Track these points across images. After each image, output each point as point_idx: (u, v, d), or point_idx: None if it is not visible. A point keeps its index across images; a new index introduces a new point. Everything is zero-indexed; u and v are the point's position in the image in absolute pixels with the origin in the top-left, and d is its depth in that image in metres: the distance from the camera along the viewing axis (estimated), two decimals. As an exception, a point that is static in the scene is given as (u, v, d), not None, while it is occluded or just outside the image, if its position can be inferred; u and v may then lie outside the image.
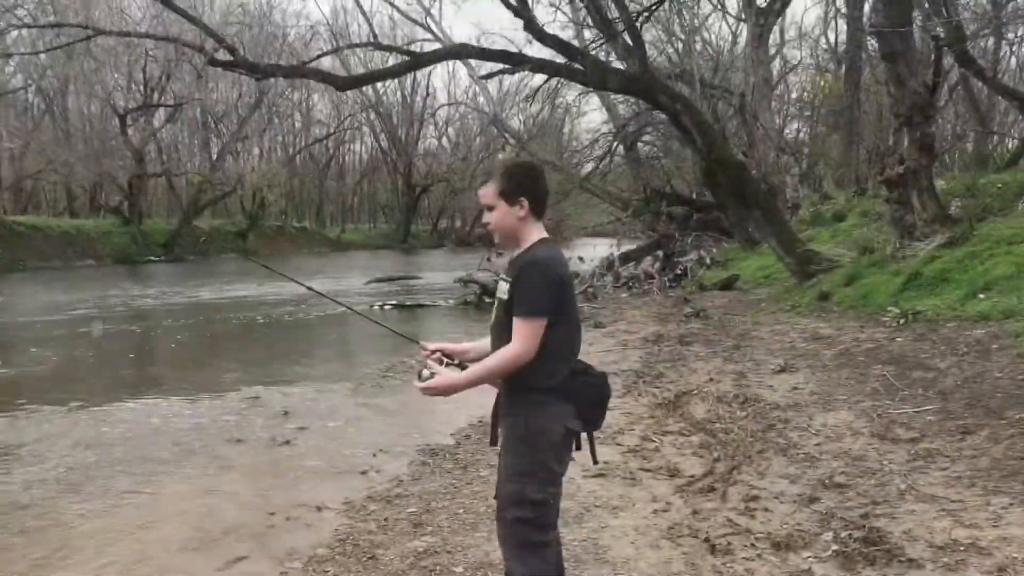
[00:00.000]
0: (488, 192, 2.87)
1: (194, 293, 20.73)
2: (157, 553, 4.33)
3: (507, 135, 29.50)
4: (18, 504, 5.16)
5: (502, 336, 2.79)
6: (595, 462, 3.14)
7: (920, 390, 6.42)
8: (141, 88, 39.81)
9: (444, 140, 63.00)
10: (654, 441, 5.86)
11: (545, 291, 2.71)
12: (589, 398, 2.84)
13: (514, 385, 2.82)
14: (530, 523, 2.79)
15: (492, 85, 38.22)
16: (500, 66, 14.65)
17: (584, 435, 2.94)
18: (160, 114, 42.60)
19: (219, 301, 18.82)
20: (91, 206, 42.79)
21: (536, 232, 2.86)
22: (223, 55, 14.28)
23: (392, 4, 19.98)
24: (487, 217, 2.93)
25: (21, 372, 10.14)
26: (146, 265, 34.50)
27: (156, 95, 40.25)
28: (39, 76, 35.69)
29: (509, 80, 43.91)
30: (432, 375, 2.85)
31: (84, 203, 43.87)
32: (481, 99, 35.89)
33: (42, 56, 29.96)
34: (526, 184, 2.86)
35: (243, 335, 13.65)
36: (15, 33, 26.45)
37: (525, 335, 2.70)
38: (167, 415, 7.55)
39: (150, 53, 35.64)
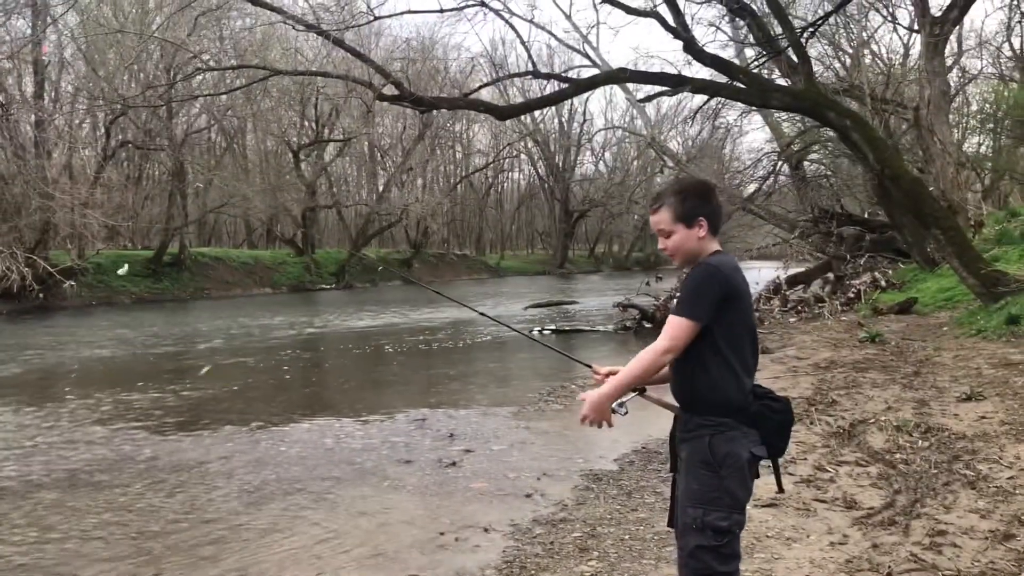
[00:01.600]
0: (663, 218, 2.83)
1: (363, 319, 21.52)
2: (334, 568, 4.48)
3: (665, 158, 29.23)
4: (205, 518, 5.46)
5: (677, 360, 2.72)
6: (780, 490, 3.02)
7: None
8: (313, 124, 41.94)
9: (601, 165, 63.20)
10: (829, 471, 5.58)
11: (706, 292, 2.66)
12: (773, 423, 2.72)
13: (696, 407, 2.74)
14: (713, 551, 2.67)
15: (650, 108, 38.03)
16: (658, 88, 14.54)
17: (769, 462, 2.83)
18: (331, 149, 44.73)
19: (386, 327, 19.46)
20: (268, 237, 45.36)
21: (714, 247, 2.82)
22: (390, 90, 14.85)
23: (550, 33, 20.28)
24: (664, 243, 2.87)
25: (205, 393, 10.78)
26: (319, 292, 36.16)
27: (326, 131, 42.31)
28: (221, 116, 38.21)
29: (667, 103, 43.58)
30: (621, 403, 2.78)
31: (261, 235, 46.55)
32: (639, 122, 35.76)
33: (224, 97, 32.06)
34: (702, 203, 2.82)
35: (409, 359, 14.03)
36: (200, 77, 28.39)
37: (673, 331, 2.65)
38: (340, 436, 7.83)
39: (321, 91, 37.54)
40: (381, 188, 47.05)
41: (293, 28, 15.65)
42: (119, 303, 28.81)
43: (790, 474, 5.57)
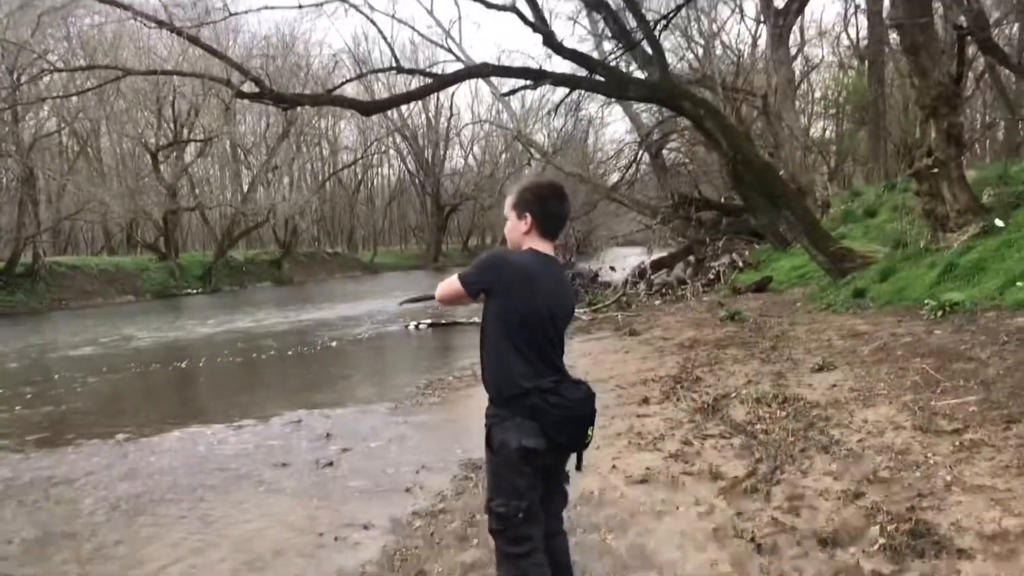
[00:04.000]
0: (505, 204, 3.11)
1: (230, 323, 20.98)
2: (209, 577, 4.43)
3: (532, 150, 29.62)
4: (73, 534, 5.28)
5: (484, 340, 3.00)
6: (578, 468, 3.15)
7: (962, 381, 6.37)
8: (171, 125, 40.44)
9: (470, 159, 63.44)
10: (695, 445, 5.86)
11: (481, 268, 2.93)
12: (553, 417, 2.86)
13: (489, 396, 2.97)
14: (500, 535, 2.91)
15: (515, 101, 38.41)
16: (522, 82, 14.75)
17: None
18: (191, 149, 43.25)
19: (255, 329, 19.04)
20: (128, 243, 43.50)
21: (534, 244, 3.03)
22: (249, 87, 14.51)
23: (413, 28, 20.24)
24: (505, 227, 3.13)
25: (69, 408, 10.34)
26: (185, 298, 34.96)
27: (186, 131, 40.88)
28: (72, 119, 36.40)
29: (531, 95, 44.09)
30: None
31: (121, 240, 44.62)
32: (505, 116, 36.06)
33: (75, 98, 30.54)
34: (532, 202, 3.03)
35: (281, 362, 13.81)
36: (47, 78, 26.98)
37: (447, 282, 3.00)
38: (213, 443, 7.67)
39: (178, 90, 36.24)
40: (246, 188, 45.81)
41: (145, 26, 15.09)
42: (-35, 319, 27.09)
43: (659, 450, 5.83)
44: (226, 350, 15.44)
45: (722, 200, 24.67)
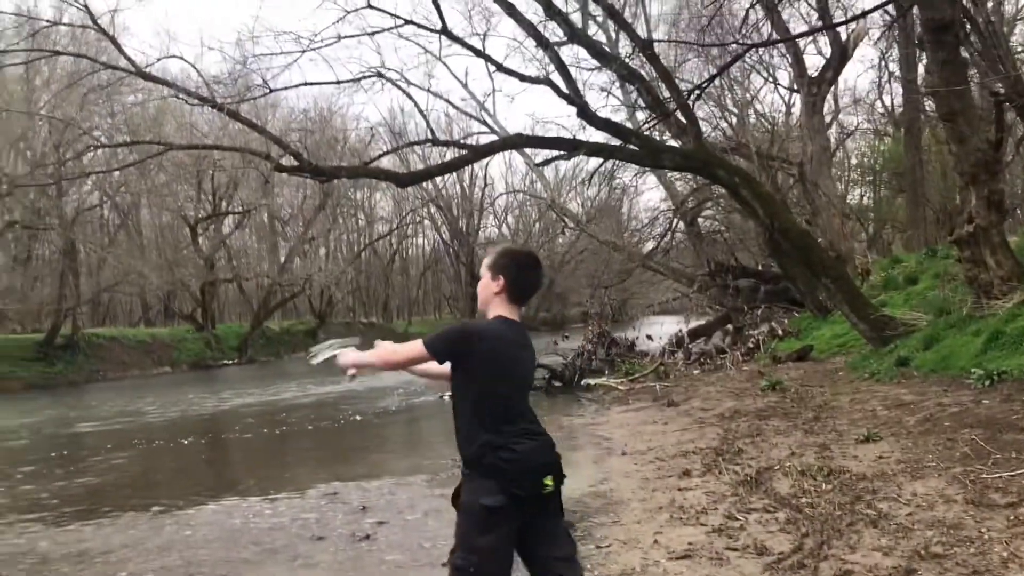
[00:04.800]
0: (483, 263, 3.27)
1: (266, 395, 21.03)
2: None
3: (565, 219, 29.77)
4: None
5: (455, 405, 3.15)
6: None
7: (1014, 453, 6.16)
8: (210, 197, 41.28)
9: (504, 228, 63.87)
10: (739, 519, 5.69)
11: (446, 338, 3.07)
12: (510, 471, 2.98)
13: (460, 453, 3.12)
14: None
15: (549, 171, 38.79)
16: (555, 152, 14.90)
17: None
18: (229, 221, 44.03)
19: (292, 401, 19.05)
20: (165, 314, 44.07)
21: (502, 311, 3.16)
22: (288, 161, 14.80)
23: (448, 101, 20.58)
24: (479, 284, 3.27)
25: (105, 480, 10.34)
26: (221, 369, 35.21)
27: (224, 203, 41.67)
28: (114, 192, 37.28)
29: (565, 164, 44.49)
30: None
31: (159, 312, 45.22)
32: (538, 185, 36.43)
33: (116, 173, 31.31)
34: (509, 267, 3.17)
35: (317, 433, 13.75)
36: (91, 153, 27.74)
37: (409, 347, 3.15)
38: (247, 515, 7.60)
39: (218, 163, 37.08)
40: (283, 259, 46.44)
41: (187, 103, 15.51)
42: (8, 389, 27.41)
43: (702, 524, 5.67)
44: (260, 422, 15.43)
45: (760, 267, 24.54)
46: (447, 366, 3.14)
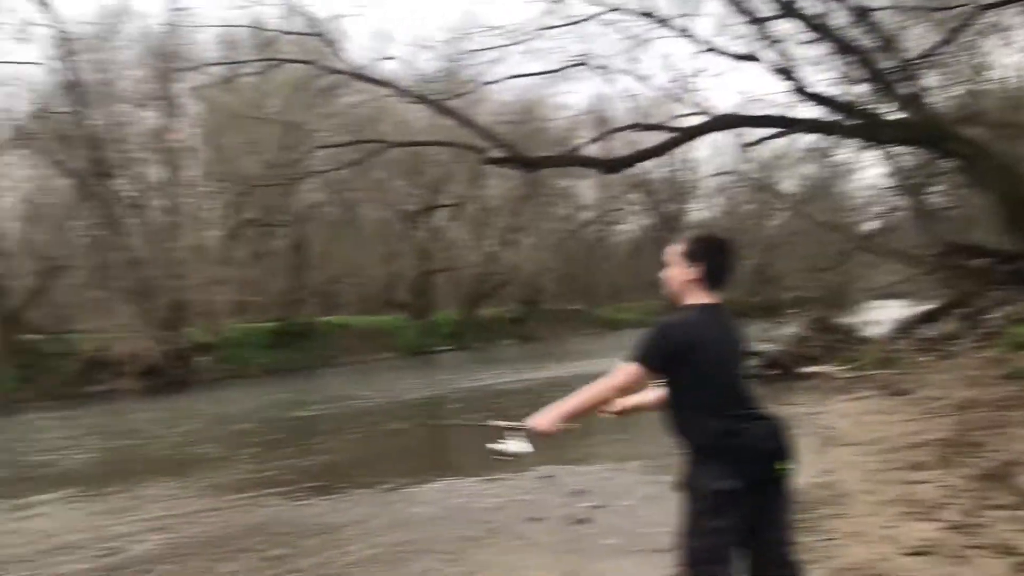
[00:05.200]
0: (672, 250, 3.20)
1: (478, 380, 21.68)
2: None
3: (778, 200, 28.69)
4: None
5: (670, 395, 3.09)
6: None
7: None
8: (424, 191, 43.00)
9: (712, 211, 62.40)
10: (980, 516, 5.30)
11: (653, 346, 3.01)
12: (744, 456, 2.93)
13: (678, 442, 3.09)
14: (688, 570, 3.00)
15: (759, 151, 37.46)
16: (768, 131, 14.40)
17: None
18: (442, 213, 45.70)
19: (502, 386, 19.53)
20: (386, 303, 46.39)
21: (702, 298, 3.08)
22: (497, 153, 15.17)
23: (653, 84, 20.23)
24: (664, 272, 3.22)
25: (338, 458, 11.07)
26: (437, 355, 36.71)
27: (437, 196, 43.30)
28: (338, 189, 39.57)
29: (778, 143, 42.78)
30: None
31: (380, 301, 47.67)
32: (748, 165, 35.30)
33: (339, 172, 33.22)
34: (706, 253, 3.11)
35: (532, 415, 14.01)
36: (316, 153, 29.53)
37: (619, 372, 3.03)
38: (469, 495, 7.90)
39: (431, 158, 38.54)
40: (492, 248, 47.68)
41: (402, 101, 16.21)
42: (250, 375, 29.89)
43: (937, 520, 5.32)
44: (473, 405, 15.94)
45: (997, 246, 22.55)
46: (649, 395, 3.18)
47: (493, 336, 42.40)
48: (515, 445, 3.22)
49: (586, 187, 56.57)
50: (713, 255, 3.12)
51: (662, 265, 3.28)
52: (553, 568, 5.41)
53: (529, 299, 47.73)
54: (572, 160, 16.73)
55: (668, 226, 57.68)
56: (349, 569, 5.82)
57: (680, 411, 3.07)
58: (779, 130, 14.10)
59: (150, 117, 31.44)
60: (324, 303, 45.23)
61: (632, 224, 64.92)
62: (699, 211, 61.95)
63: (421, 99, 15.11)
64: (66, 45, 28.21)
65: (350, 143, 21.52)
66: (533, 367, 23.79)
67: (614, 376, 3.04)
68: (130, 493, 9.57)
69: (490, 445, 3.26)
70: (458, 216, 47.61)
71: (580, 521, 6.53)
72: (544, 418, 3.15)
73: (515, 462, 3.26)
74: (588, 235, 59.42)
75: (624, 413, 3.45)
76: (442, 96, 15.39)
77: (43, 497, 9.63)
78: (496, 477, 8.57)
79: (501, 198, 47.27)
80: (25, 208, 30.70)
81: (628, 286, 67.98)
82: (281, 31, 18.86)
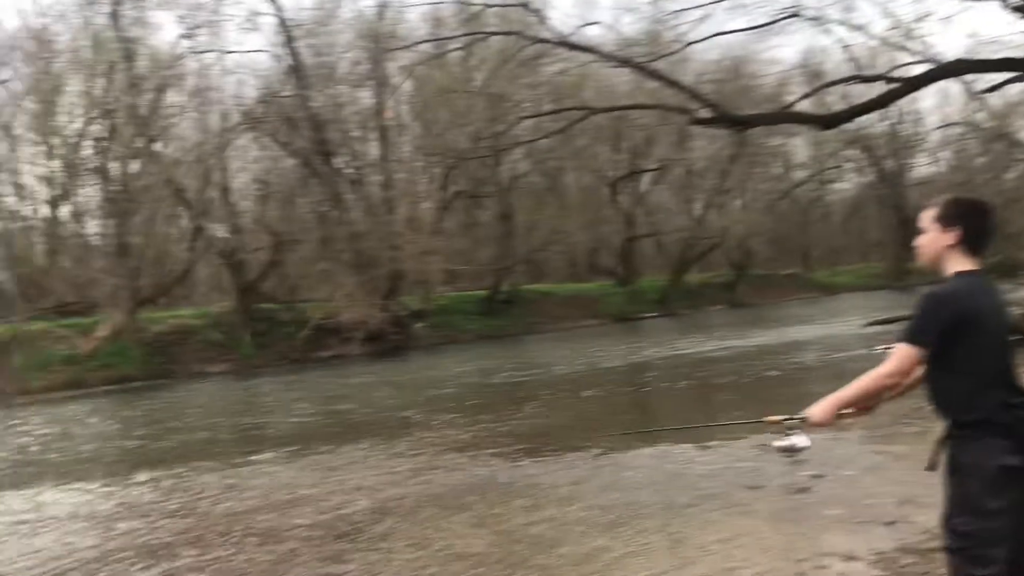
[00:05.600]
0: (926, 215, 2.98)
1: (684, 348, 21.40)
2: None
3: (1016, 149, 26.24)
4: (554, 539, 5.71)
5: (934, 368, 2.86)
6: None
7: None
8: (627, 156, 42.73)
9: (939, 166, 58.05)
10: None
11: (932, 320, 2.80)
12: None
13: (947, 417, 2.84)
14: (960, 554, 2.77)
15: (994, 98, 34.38)
16: (1004, 76, 13.17)
17: None
18: (646, 178, 45.27)
19: (710, 353, 19.18)
20: (590, 270, 46.65)
21: (962, 264, 2.88)
22: (704, 113, 14.79)
23: (870, 33, 18.97)
24: (918, 239, 3.00)
25: (549, 422, 11.32)
26: (642, 321, 36.57)
27: (641, 161, 42.91)
28: (542, 159, 40.05)
29: (1014, 89, 39.13)
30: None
31: (584, 268, 48.00)
32: (981, 115, 32.48)
33: (543, 140, 33.59)
34: (964, 216, 2.90)
35: (740, 383, 13.72)
36: (521, 124, 29.98)
37: (894, 357, 2.82)
38: (681, 461, 7.84)
39: (635, 122, 38.18)
40: (699, 212, 46.76)
41: (606, 66, 16.11)
42: (462, 341, 31.07)
43: None
44: (681, 372, 15.78)
45: None
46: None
47: (701, 302, 41.74)
48: (799, 439, 3.09)
49: (799, 145, 54.20)
50: (970, 218, 2.92)
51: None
52: (771, 536, 5.28)
53: (739, 263, 46.53)
54: (784, 117, 16.02)
55: (889, 184, 54.33)
56: (567, 529, 5.93)
57: (952, 385, 2.86)
58: (1018, 74, 12.83)
59: (365, 97, 33.04)
60: (530, 271, 46.13)
61: (849, 183, 61.59)
62: (924, 167, 57.83)
63: (625, 63, 14.94)
64: (288, 32, 30.13)
65: (554, 111, 21.69)
66: (743, 334, 23.21)
67: (889, 362, 2.86)
68: (355, 450, 10.23)
69: (775, 443, 3.16)
70: (663, 180, 47.02)
71: (800, 490, 6.33)
72: (821, 409, 3.01)
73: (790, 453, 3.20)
74: (801, 195, 56.98)
75: (873, 407, 3.13)
76: (646, 58, 15.14)
77: (278, 454, 10.48)
78: (710, 445, 8.46)
79: (708, 160, 46.17)
80: (257, 187, 33.13)
81: (845, 248, 64.79)
82: (486, 4, 19.17)
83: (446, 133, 32.97)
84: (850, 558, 4.71)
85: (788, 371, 14.55)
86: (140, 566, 6.06)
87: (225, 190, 30.78)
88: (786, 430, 3.10)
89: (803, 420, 3.06)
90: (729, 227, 43.55)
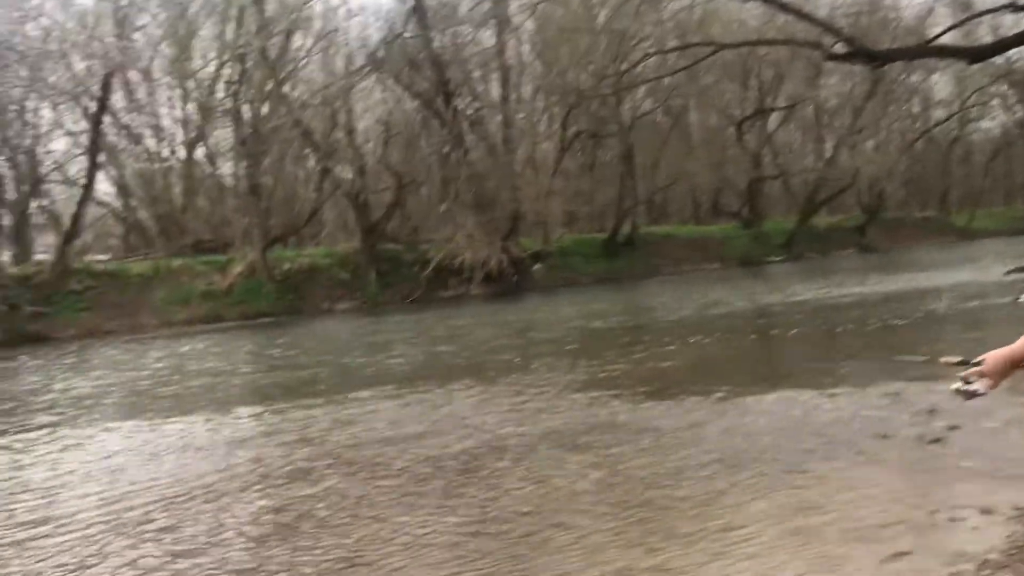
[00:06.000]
0: None
1: (814, 291, 20.77)
2: (815, 536, 4.41)
3: None
4: (683, 481, 5.66)
5: None
6: None
7: None
8: (756, 94, 41.34)
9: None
10: None
11: None
12: None
13: None
14: None
15: None
16: None
17: None
18: (774, 117, 43.76)
19: (841, 298, 18.56)
20: (714, 212, 45.70)
21: None
22: (840, 48, 14.11)
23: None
24: None
25: (668, 365, 11.20)
26: (767, 265, 35.69)
27: (769, 99, 41.45)
28: (665, 97, 39.17)
29: None
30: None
31: (707, 210, 47.06)
32: None
33: (667, 78, 32.83)
34: None
35: (870, 330, 13.24)
36: (645, 61, 29.33)
37: None
38: (807, 408, 7.63)
39: (763, 59, 36.85)
40: (829, 152, 44.96)
41: (733, 0, 15.52)
42: (581, 283, 31.08)
43: None
44: (808, 317, 15.35)
45: None
46: None
47: (829, 246, 40.44)
48: (980, 384, 2.94)
49: (940, 81, 51.19)
50: None
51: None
52: (902, 486, 5.11)
53: (870, 206, 44.71)
54: (927, 51, 15.12)
55: (1040, 121, 50.83)
56: (686, 472, 5.90)
57: None
58: None
59: (487, 36, 32.96)
60: (652, 212, 45.57)
61: (995, 121, 57.92)
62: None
63: (755, -5, 14.35)
64: (411, -28, 30.21)
65: (680, 48, 21.12)
66: (873, 280, 22.37)
67: None
68: (474, 389, 10.40)
69: (955, 386, 3.01)
70: (792, 119, 45.34)
71: (934, 441, 6.07)
72: (999, 356, 2.83)
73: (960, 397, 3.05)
74: (941, 135, 53.98)
75: None
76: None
77: (399, 389, 10.76)
78: (836, 392, 8.21)
79: (841, 97, 44.23)
80: (381, 129, 33.66)
81: (987, 191, 61.20)
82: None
83: (568, 72, 32.63)
84: (987, 511, 4.50)
85: (917, 319, 13.94)
86: (257, 493, 6.35)
87: (350, 132, 31.37)
88: (959, 374, 2.96)
89: (977, 365, 2.87)
90: (861, 168, 41.77)
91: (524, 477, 6.09)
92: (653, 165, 40.63)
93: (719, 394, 8.57)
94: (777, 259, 37.63)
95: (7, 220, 29.58)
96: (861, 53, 13.62)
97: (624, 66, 27.65)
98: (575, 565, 4.37)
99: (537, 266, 31.46)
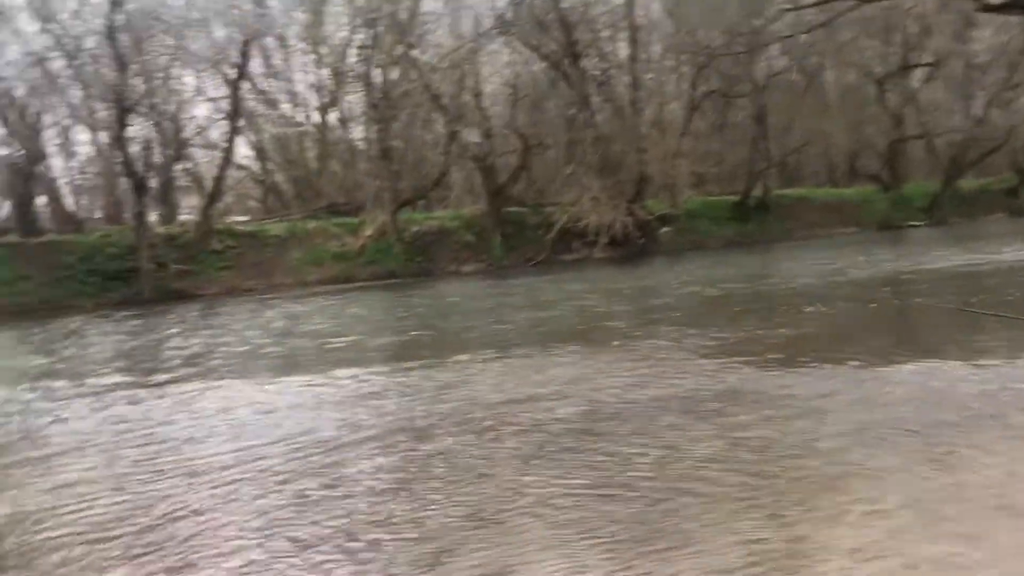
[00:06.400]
0: None
1: (959, 257, 19.70)
2: (959, 513, 4.25)
3: None
4: (803, 452, 5.52)
5: None
6: None
7: None
8: (898, 50, 39.23)
9: None
10: None
11: None
12: None
13: None
14: None
15: None
16: None
17: None
18: (918, 74, 41.44)
19: (984, 266, 17.52)
20: (850, 174, 43.82)
21: None
22: (998, -3, 13.22)
23: None
24: None
25: (801, 332, 10.89)
26: (907, 230, 34.12)
27: (913, 55, 39.25)
28: (801, 55, 37.62)
29: None
30: None
31: (844, 172, 45.17)
32: None
33: (803, 36, 31.48)
34: None
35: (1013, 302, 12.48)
36: (780, 18, 28.26)
37: None
38: (949, 379, 7.29)
39: (909, 12, 34.90)
40: (979, 111, 42.32)
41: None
42: (709, 247, 30.48)
43: None
44: (952, 285, 14.58)
45: None
46: None
47: (976, 210, 38.25)
48: None
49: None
50: None
51: None
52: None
53: (1024, 168, 41.93)
54: (1093, -2, 13.94)
55: None
56: (817, 442, 5.73)
57: None
58: None
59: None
60: (785, 175, 44.04)
61: None
62: None
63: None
64: (540, -68, 29.89)
65: (818, 3, 20.17)
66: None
67: None
68: (602, 352, 10.42)
69: None
70: (938, 75, 42.82)
71: (1090, 417, 5.72)
72: None
73: None
74: (1105, 90, 50.06)
75: None
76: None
77: (528, 350, 10.83)
78: (985, 363, 7.80)
79: (993, 52, 41.45)
80: (508, 92, 33.65)
81: None
82: None
83: (698, 30, 31.78)
84: None
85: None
86: (377, 450, 6.51)
87: (478, 95, 31.50)
88: None
89: None
90: (1015, 127, 39.14)
91: (648, 443, 6.04)
92: (786, 126, 39.18)
93: (856, 363, 8.28)
94: (919, 223, 35.89)
95: (154, 182, 31.10)
96: (1019, 3, 12.70)
97: (757, 23, 26.68)
98: (707, 533, 4.31)
99: (664, 229, 30.99)
